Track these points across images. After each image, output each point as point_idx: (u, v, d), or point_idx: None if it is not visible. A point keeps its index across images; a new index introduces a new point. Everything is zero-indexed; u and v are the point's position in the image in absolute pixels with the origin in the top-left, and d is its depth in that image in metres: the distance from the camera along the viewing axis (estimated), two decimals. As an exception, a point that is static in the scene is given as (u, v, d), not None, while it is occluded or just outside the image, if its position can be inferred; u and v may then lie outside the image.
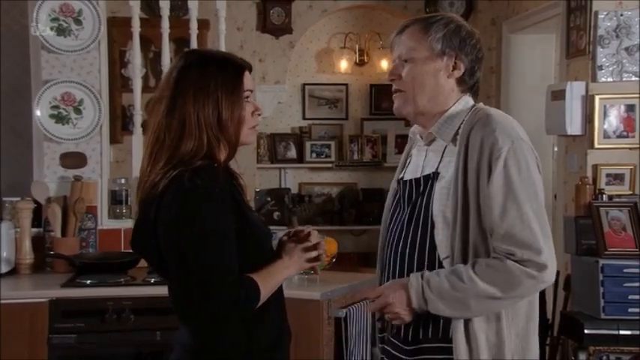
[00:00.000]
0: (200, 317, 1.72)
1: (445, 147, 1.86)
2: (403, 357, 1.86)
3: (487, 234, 1.78)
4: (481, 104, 1.90)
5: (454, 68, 1.85)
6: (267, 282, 1.75)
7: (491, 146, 1.75)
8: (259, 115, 1.85)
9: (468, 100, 1.89)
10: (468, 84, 1.88)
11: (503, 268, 1.74)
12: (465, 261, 1.78)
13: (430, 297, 1.76)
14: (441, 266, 1.80)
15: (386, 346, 1.95)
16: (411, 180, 1.90)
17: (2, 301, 2.85)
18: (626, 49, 3.91)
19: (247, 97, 1.81)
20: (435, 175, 1.84)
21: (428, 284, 1.77)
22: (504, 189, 1.74)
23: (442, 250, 1.80)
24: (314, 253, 1.87)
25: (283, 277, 1.83)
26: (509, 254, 1.74)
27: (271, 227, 2.13)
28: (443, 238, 1.80)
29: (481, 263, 1.76)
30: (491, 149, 1.75)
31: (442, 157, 1.85)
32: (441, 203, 1.80)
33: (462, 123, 1.83)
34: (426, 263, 1.82)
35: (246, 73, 1.82)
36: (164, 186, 1.70)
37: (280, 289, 1.86)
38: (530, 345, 1.84)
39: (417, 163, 1.93)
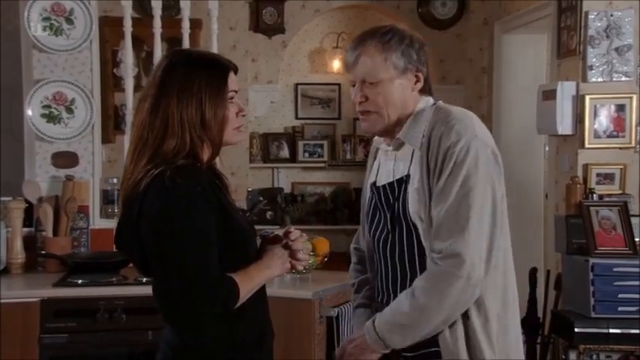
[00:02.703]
0: (180, 315, 1.73)
1: (413, 150, 1.86)
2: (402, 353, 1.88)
3: None
4: (440, 102, 1.91)
5: (417, 81, 1.88)
6: (247, 282, 1.75)
7: (446, 146, 1.77)
8: (244, 115, 1.85)
9: (427, 99, 1.91)
10: (426, 88, 1.91)
11: (432, 275, 1.76)
12: None
13: (383, 333, 1.80)
14: None
15: None
16: (384, 185, 1.91)
17: (-6, 301, 2.85)
18: (617, 49, 3.92)
19: (232, 97, 1.81)
20: (407, 178, 1.85)
21: (377, 321, 1.82)
22: (449, 186, 1.75)
23: (429, 252, 1.80)
24: (299, 255, 1.88)
25: (264, 277, 1.83)
26: (438, 253, 1.75)
27: (264, 227, 2.14)
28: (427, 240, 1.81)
29: (418, 280, 1.79)
30: (447, 148, 1.77)
31: (412, 159, 1.86)
32: (415, 205, 1.82)
33: (426, 125, 1.85)
34: (417, 267, 1.83)
35: (231, 74, 1.82)
36: (146, 184, 1.71)
37: (263, 289, 1.86)
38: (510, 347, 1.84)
39: (388, 168, 1.93)
